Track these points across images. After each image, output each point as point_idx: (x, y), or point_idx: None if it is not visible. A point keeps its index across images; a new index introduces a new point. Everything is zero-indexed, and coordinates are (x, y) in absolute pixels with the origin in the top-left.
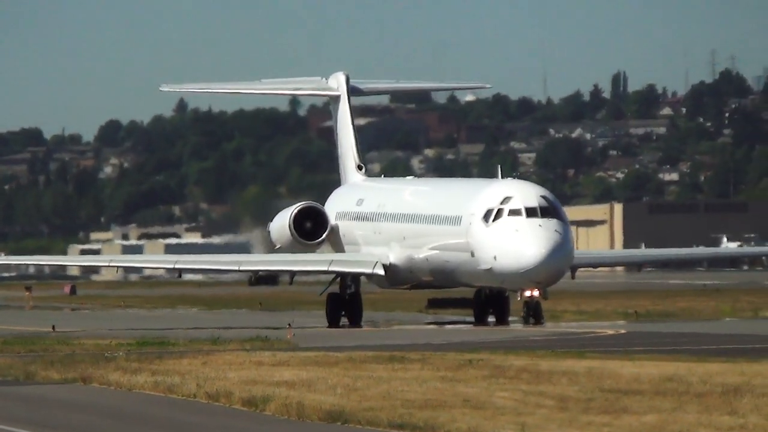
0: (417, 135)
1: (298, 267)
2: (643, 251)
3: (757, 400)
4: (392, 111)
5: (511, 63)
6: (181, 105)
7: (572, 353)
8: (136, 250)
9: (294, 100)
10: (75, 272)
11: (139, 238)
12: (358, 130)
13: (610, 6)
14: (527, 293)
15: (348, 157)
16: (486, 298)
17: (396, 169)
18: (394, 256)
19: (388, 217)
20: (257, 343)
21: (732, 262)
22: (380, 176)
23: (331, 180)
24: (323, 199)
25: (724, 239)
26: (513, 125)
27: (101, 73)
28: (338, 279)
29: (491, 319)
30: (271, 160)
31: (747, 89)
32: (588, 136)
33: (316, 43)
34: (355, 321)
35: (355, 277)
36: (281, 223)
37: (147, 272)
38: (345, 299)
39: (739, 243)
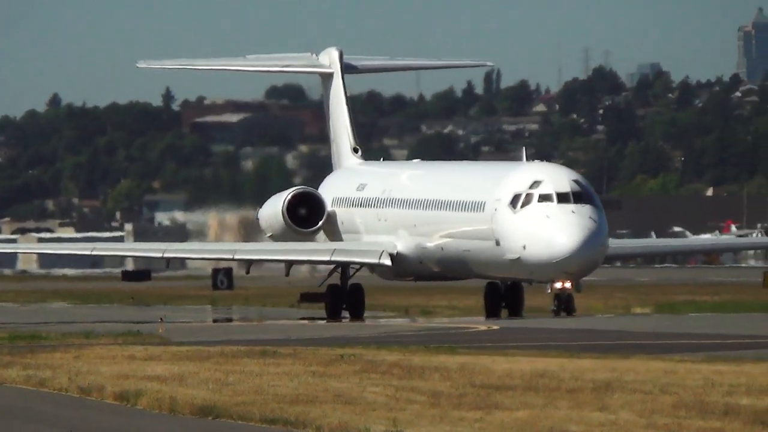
0: (291, 131)
1: (296, 257)
2: (679, 240)
3: (627, 396)
4: (266, 107)
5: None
6: (55, 100)
7: (444, 349)
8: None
9: (167, 95)
10: None
11: (13, 232)
12: (230, 127)
13: (484, 1)
14: (558, 285)
15: (342, 139)
16: (503, 290)
17: (270, 166)
18: (402, 244)
19: (395, 203)
20: (129, 337)
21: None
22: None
23: (205, 175)
24: (196, 195)
25: None
26: (386, 121)
27: None
28: (339, 269)
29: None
30: (144, 155)
31: (620, 86)
32: (460, 132)
33: (304, 17)
34: (357, 314)
35: (348, 267)
36: (273, 209)
37: (20, 266)
38: (346, 291)
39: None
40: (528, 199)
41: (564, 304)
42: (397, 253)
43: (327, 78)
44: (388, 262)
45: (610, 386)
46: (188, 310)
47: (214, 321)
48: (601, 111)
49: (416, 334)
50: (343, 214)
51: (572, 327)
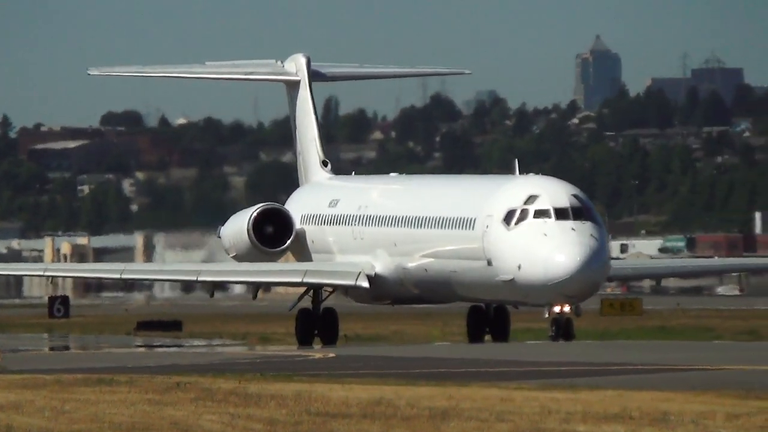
0: (128, 158)
1: (265, 278)
2: (682, 261)
3: (464, 423)
4: (102, 134)
5: (221, 87)
6: None
7: (281, 376)
8: None
9: (5, 122)
10: None
11: None
12: (67, 154)
13: (318, 30)
14: (556, 309)
15: (310, 152)
16: (492, 313)
17: (107, 193)
18: (381, 265)
19: (373, 220)
20: None
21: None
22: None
23: (42, 202)
24: (32, 223)
25: None
26: (225, 149)
27: None
28: (310, 293)
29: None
30: None
31: (457, 113)
32: None
33: (268, 22)
34: (330, 341)
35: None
36: (238, 227)
37: None
38: (318, 316)
39: None
40: (523, 215)
41: (563, 329)
42: (375, 274)
43: (293, 86)
44: (365, 284)
45: (447, 414)
46: (24, 338)
47: (51, 349)
48: (438, 138)
49: (252, 362)
50: (313, 232)
51: (409, 355)
